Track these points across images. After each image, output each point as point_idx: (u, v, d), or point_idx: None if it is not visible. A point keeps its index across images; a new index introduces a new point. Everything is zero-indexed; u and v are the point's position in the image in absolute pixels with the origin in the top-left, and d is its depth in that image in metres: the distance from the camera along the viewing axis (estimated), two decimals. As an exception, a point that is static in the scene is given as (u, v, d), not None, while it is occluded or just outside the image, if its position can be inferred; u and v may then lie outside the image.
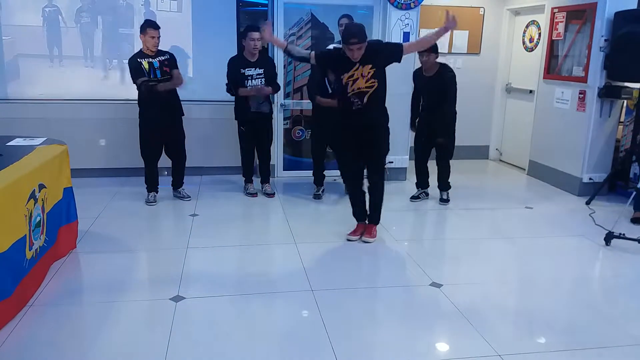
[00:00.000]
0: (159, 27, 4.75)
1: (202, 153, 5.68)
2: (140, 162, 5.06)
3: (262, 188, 5.41)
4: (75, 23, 5.64)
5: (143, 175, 5.09)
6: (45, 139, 3.94)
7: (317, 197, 5.31)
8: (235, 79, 5.00)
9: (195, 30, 5.77)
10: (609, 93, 5.31)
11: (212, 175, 5.92)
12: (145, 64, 4.72)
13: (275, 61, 5.46)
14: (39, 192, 3.22)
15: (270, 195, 5.31)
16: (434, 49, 4.73)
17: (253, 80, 5.00)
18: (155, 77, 4.76)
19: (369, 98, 3.85)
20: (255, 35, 4.88)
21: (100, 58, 5.79)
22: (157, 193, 5.11)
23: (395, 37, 5.80)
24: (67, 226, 3.76)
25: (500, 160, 7.35)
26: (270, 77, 5.11)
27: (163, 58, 4.83)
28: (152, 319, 3.01)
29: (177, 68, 4.96)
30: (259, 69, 5.03)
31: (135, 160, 5.12)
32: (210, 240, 4.19)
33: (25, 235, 3.02)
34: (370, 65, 3.80)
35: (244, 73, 4.98)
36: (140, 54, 4.77)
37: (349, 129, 4.00)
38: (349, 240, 4.17)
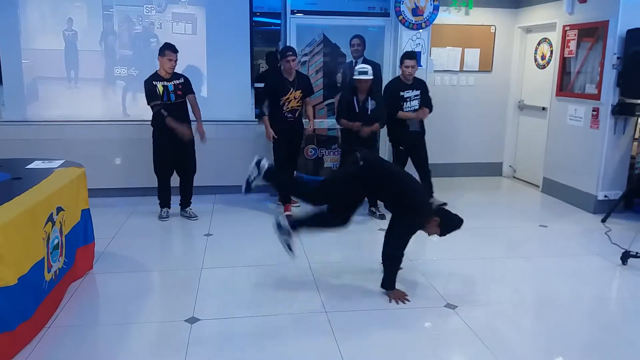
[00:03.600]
0: (177, 51, 4.88)
1: (216, 172, 5.73)
2: (155, 181, 5.13)
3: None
4: (93, 46, 5.76)
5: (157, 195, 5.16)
6: (63, 161, 4.00)
7: None
8: (393, 101, 5.23)
9: (209, 51, 5.87)
10: (622, 110, 5.29)
11: (225, 194, 5.97)
12: (160, 87, 4.84)
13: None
14: (57, 215, 3.28)
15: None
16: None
17: (411, 102, 5.23)
18: (169, 101, 4.88)
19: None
20: (410, 62, 5.17)
21: (117, 80, 5.89)
22: (169, 209, 5.20)
23: (407, 57, 5.85)
24: (84, 247, 3.81)
25: (514, 177, 7.32)
26: (423, 97, 5.35)
27: (178, 82, 4.94)
28: (167, 340, 3.03)
29: (192, 93, 5.09)
30: (416, 90, 5.28)
31: (150, 180, 5.18)
32: (225, 260, 4.22)
33: (44, 257, 3.07)
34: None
35: (403, 95, 5.19)
36: (156, 76, 4.90)
37: None
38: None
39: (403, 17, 5.75)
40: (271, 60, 6.26)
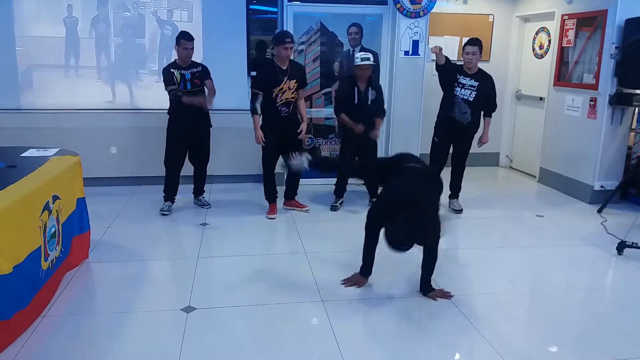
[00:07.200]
0: (193, 39, 4.82)
1: (211, 161, 5.67)
2: (150, 170, 5.10)
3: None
4: (89, 34, 5.71)
5: (153, 184, 5.12)
6: (58, 149, 3.97)
7: (334, 208, 5.23)
8: (448, 78, 5.04)
9: (205, 40, 5.82)
10: (620, 100, 5.28)
11: (221, 184, 5.95)
12: (177, 75, 4.80)
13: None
14: (53, 203, 3.26)
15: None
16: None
17: (464, 89, 4.99)
18: (185, 89, 4.82)
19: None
20: (471, 49, 4.94)
21: (112, 68, 5.85)
22: (172, 203, 5.12)
23: (405, 45, 5.82)
24: (79, 236, 3.80)
25: (511, 168, 7.32)
26: (482, 92, 5.01)
27: (195, 70, 4.90)
28: (163, 329, 3.03)
29: (209, 79, 5.03)
30: (475, 81, 4.99)
31: (145, 169, 5.16)
32: (221, 249, 4.22)
33: (41, 246, 3.06)
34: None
35: (459, 79, 5.01)
36: (174, 64, 4.86)
37: None
38: (269, 219, 4.94)
39: (401, 5, 5.70)
40: (260, 49, 6.21)
